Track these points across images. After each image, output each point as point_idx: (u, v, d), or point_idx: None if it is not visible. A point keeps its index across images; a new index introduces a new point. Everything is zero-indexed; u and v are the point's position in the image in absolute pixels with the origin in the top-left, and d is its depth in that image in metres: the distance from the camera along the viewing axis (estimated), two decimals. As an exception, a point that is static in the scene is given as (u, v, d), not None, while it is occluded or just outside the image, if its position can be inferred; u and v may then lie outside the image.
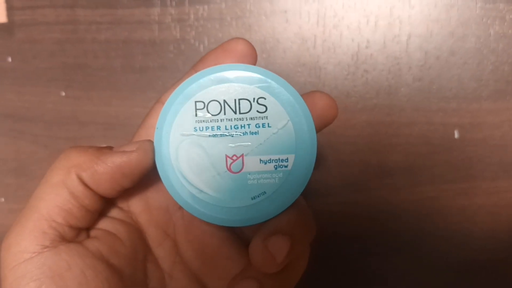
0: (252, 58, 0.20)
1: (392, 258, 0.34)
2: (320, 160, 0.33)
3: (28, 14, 0.35)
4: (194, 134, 0.20)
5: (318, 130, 0.20)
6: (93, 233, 0.20)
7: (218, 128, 0.20)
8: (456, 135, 0.32)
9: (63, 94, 0.35)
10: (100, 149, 0.20)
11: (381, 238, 0.33)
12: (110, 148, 0.20)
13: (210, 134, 0.20)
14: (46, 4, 0.34)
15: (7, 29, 0.35)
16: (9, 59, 0.35)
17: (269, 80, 0.20)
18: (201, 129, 0.20)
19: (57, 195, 0.19)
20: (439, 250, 0.33)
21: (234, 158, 0.20)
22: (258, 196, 0.20)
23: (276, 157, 0.20)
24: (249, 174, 0.20)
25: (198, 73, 0.20)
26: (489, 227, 0.33)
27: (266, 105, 0.20)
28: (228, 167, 0.20)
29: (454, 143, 0.32)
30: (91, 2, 0.34)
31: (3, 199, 0.36)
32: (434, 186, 0.33)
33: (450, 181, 0.33)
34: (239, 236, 0.23)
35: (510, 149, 0.32)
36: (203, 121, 0.20)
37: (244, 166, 0.20)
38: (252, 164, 0.20)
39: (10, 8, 0.35)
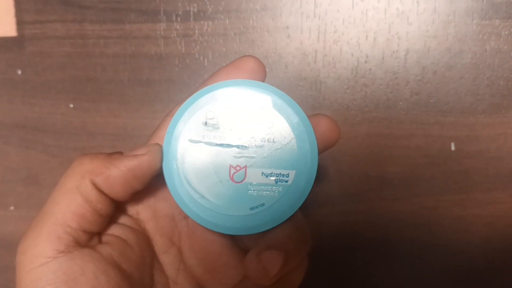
0: (261, 74, 0.21)
1: (391, 267, 0.34)
2: (321, 171, 0.34)
3: (38, 28, 0.36)
4: (202, 142, 0.21)
5: (320, 152, 0.21)
6: (104, 238, 0.21)
7: (226, 138, 0.21)
8: (453, 147, 0.33)
9: (72, 106, 0.36)
10: (111, 154, 0.20)
11: (380, 247, 0.34)
12: (120, 153, 0.21)
13: (217, 143, 0.21)
14: (55, 18, 0.35)
15: (17, 43, 0.36)
16: (19, 72, 0.36)
17: (278, 98, 0.21)
18: (209, 137, 0.21)
19: (71, 201, 0.19)
20: (437, 259, 0.34)
21: (238, 168, 0.20)
22: (257, 207, 0.20)
23: (278, 171, 0.20)
24: (250, 185, 0.20)
25: (211, 85, 0.21)
26: (485, 236, 0.34)
27: (273, 121, 0.21)
28: (231, 176, 0.20)
29: (451, 155, 0.33)
30: (100, 17, 0.35)
31: (12, 207, 0.37)
32: (432, 197, 0.34)
33: (447, 192, 0.33)
34: (239, 246, 0.24)
35: (506, 161, 0.33)
36: (212, 130, 0.21)
37: (246, 177, 0.20)
38: (254, 175, 0.20)
39: (20, 22, 0.36)
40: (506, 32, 0.32)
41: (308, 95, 0.34)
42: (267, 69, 0.34)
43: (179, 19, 0.34)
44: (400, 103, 0.33)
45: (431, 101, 0.33)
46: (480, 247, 0.34)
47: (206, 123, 0.21)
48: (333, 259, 0.35)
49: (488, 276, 0.34)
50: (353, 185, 0.34)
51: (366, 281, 0.35)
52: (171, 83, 0.35)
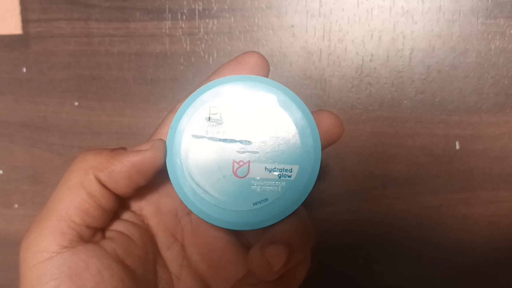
0: (265, 70, 0.21)
1: (394, 265, 0.35)
2: (326, 169, 0.34)
3: (43, 26, 0.36)
4: (205, 137, 0.21)
5: (324, 147, 0.21)
6: (108, 234, 0.21)
7: (229, 133, 0.21)
8: (457, 146, 0.33)
9: (77, 104, 0.36)
10: (114, 150, 0.20)
11: (384, 245, 0.34)
12: (124, 148, 0.21)
13: (221, 138, 0.21)
14: (61, 17, 0.36)
15: (22, 41, 0.36)
16: (24, 70, 0.36)
17: (281, 93, 0.21)
18: (212, 132, 0.21)
19: (75, 196, 0.19)
20: (440, 258, 0.34)
21: (241, 163, 0.20)
22: (260, 202, 0.20)
23: (281, 166, 0.20)
24: (254, 180, 0.20)
25: (214, 81, 0.21)
26: (488, 235, 0.34)
27: (276, 117, 0.21)
28: (234, 171, 0.20)
29: (456, 154, 0.33)
30: (105, 16, 0.35)
31: (17, 206, 0.37)
32: (436, 196, 0.34)
33: (452, 191, 0.34)
34: (243, 241, 0.24)
35: (510, 160, 0.33)
36: (215, 125, 0.21)
37: (250, 172, 0.20)
38: (257, 171, 0.20)
39: (25, 21, 0.36)
40: (511, 31, 0.32)
41: (313, 94, 0.34)
42: (272, 68, 0.34)
43: (184, 17, 0.34)
44: (405, 102, 0.33)
45: (436, 100, 0.33)
46: (483, 246, 0.34)
47: (209, 119, 0.21)
48: (337, 256, 0.35)
49: (491, 275, 0.34)
50: (357, 183, 0.34)
51: (368, 279, 0.35)
52: (176, 81, 0.35)
